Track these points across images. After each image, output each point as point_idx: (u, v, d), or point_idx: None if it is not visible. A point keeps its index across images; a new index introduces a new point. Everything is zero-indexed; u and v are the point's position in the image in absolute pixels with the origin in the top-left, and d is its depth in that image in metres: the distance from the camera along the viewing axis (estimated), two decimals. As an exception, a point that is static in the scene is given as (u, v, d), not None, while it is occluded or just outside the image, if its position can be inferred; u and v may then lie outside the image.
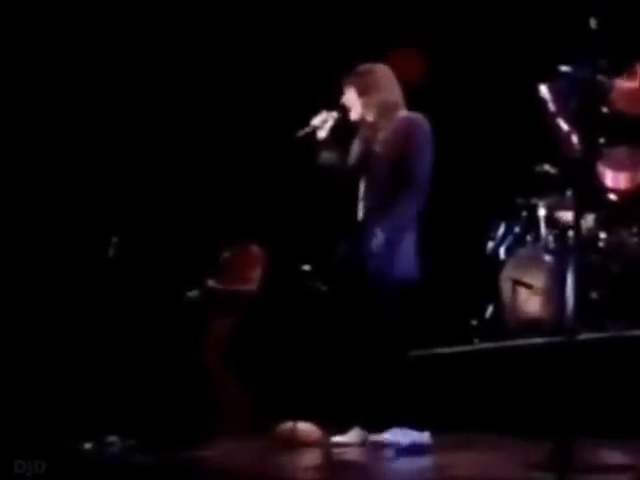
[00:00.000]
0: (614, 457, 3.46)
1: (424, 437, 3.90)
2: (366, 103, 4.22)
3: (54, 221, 6.51)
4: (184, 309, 5.99)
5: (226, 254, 6.07)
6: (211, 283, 5.98)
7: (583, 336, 4.12)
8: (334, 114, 4.28)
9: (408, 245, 4.05)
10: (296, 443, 4.35)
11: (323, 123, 4.26)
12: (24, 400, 5.75)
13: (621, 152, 5.15)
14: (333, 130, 4.27)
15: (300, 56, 6.63)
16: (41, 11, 6.52)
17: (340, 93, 4.33)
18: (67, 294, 6.34)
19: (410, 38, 6.10)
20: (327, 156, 4.28)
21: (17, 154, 6.53)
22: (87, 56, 6.67)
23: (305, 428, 4.47)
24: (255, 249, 6.01)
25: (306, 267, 5.43)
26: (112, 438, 4.67)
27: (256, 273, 5.96)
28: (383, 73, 4.29)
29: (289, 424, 4.46)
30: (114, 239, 5.45)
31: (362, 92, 4.22)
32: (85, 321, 5.84)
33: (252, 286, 5.94)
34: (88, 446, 4.53)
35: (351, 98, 4.26)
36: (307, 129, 4.27)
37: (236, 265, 5.99)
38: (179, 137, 6.81)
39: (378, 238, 3.97)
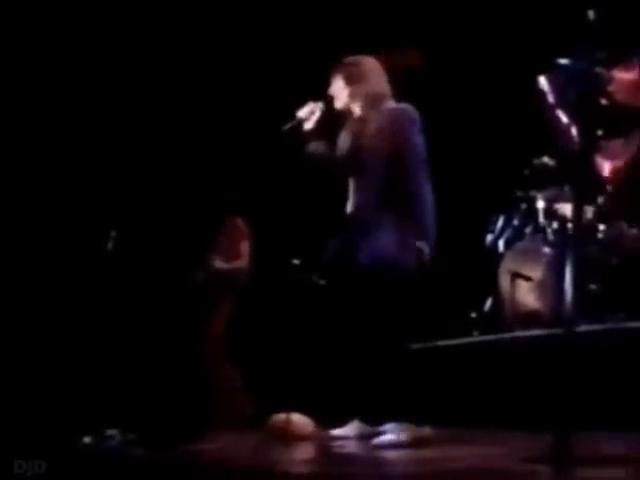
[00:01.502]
0: (613, 449, 3.46)
1: (423, 431, 3.90)
2: (352, 93, 4.20)
3: (53, 215, 6.51)
4: (185, 297, 5.98)
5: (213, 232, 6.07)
6: (218, 264, 5.94)
7: (582, 328, 4.12)
8: (320, 105, 4.26)
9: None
10: (289, 436, 4.36)
11: (309, 115, 4.25)
12: (24, 398, 5.75)
13: (619, 144, 5.14)
14: (320, 121, 4.25)
15: (289, 49, 6.63)
16: (41, 11, 6.51)
17: (327, 84, 4.31)
18: (66, 289, 6.33)
19: (407, 31, 6.10)
20: (315, 148, 4.27)
21: (17, 149, 6.52)
22: (85, 53, 6.66)
23: (298, 420, 4.48)
24: (240, 222, 6.00)
25: (296, 261, 5.43)
26: (111, 432, 4.68)
27: (244, 246, 5.94)
28: (370, 65, 4.26)
29: (282, 416, 4.47)
30: (113, 233, 5.45)
31: (348, 82, 4.20)
32: (84, 315, 5.84)
33: (243, 262, 5.91)
34: (87, 440, 4.54)
35: (337, 88, 4.24)
36: (293, 121, 4.25)
37: (224, 240, 5.98)
38: (172, 132, 6.81)
39: (421, 247, 3.96)
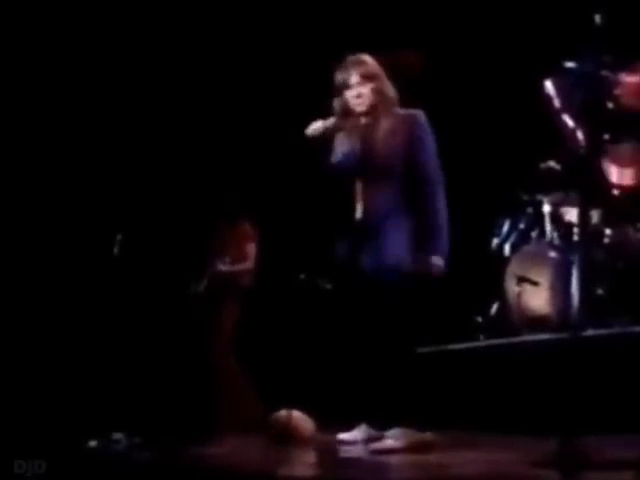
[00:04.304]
0: (619, 453, 3.45)
1: (426, 436, 3.89)
2: (381, 96, 4.10)
3: (59, 220, 6.52)
4: (189, 303, 5.99)
5: (219, 234, 6.07)
6: (221, 267, 5.95)
7: (588, 332, 4.11)
8: (331, 122, 4.14)
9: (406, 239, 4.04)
10: (290, 436, 4.37)
11: (322, 134, 4.14)
12: (26, 399, 5.76)
13: (627, 148, 5.13)
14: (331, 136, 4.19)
15: (295, 55, 6.63)
16: (41, 11, 6.51)
17: (331, 87, 4.23)
18: (72, 292, 6.34)
19: (411, 34, 6.10)
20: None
21: (23, 153, 6.54)
22: (91, 57, 6.67)
23: (299, 420, 4.49)
24: (246, 225, 6.02)
25: (302, 276, 5.43)
26: (117, 435, 4.68)
27: (251, 249, 5.96)
28: (376, 64, 4.19)
29: (284, 414, 4.48)
30: (118, 236, 5.46)
31: (368, 79, 4.08)
32: (90, 318, 5.85)
33: (248, 264, 5.93)
34: (93, 443, 4.54)
35: (367, 92, 4.09)
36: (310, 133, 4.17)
37: (230, 243, 5.98)
38: (179, 135, 6.82)
39: (437, 262, 3.96)
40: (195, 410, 5.54)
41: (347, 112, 4.14)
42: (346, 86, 4.12)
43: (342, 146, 4.18)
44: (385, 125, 4.07)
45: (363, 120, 4.14)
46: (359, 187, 4.09)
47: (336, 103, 4.16)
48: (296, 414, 4.51)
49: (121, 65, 6.73)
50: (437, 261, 3.97)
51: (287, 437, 4.40)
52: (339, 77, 4.15)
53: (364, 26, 6.31)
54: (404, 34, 6.06)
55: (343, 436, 4.21)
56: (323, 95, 4.29)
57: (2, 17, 6.40)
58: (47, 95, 6.60)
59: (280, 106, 6.40)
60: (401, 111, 4.13)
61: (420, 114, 4.10)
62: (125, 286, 5.54)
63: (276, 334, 6.25)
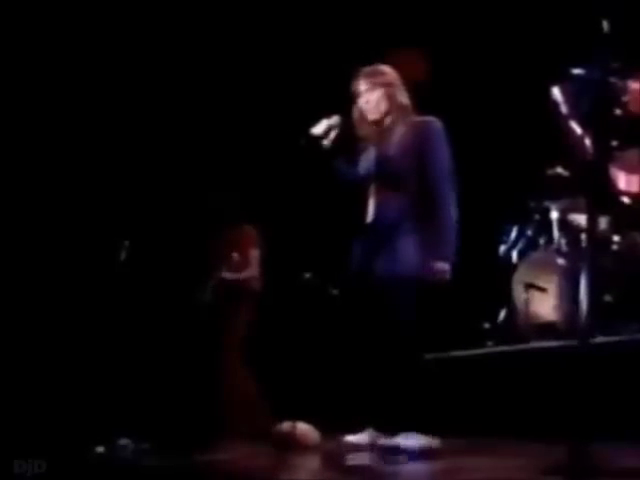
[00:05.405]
0: (629, 461, 3.44)
1: (434, 442, 3.89)
2: (391, 103, 4.15)
3: (66, 227, 6.53)
4: (196, 309, 5.98)
5: (221, 238, 6.06)
6: (227, 275, 5.94)
7: (596, 339, 4.10)
8: (337, 119, 4.21)
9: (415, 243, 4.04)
10: (294, 445, 4.37)
11: (327, 132, 4.20)
12: (29, 401, 5.77)
13: (634, 154, 5.13)
14: (339, 137, 4.21)
15: (299, 59, 6.65)
16: (41, 11, 6.52)
17: (349, 94, 4.26)
18: (79, 297, 6.35)
19: (419, 41, 6.11)
20: (338, 165, 4.25)
21: (29, 160, 6.55)
22: (98, 69, 6.68)
23: (304, 430, 4.49)
24: (250, 230, 6.01)
25: (307, 275, 5.43)
26: (125, 441, 4.68)
27: (254, 254, 5.96)
28: (394, 74, 4.26)
29: (288, 424, 4.48)
30: (125, 242, 5.46)
31: (386, 91, 4.15)
32: (97, 324, 5.86)
33: (253, 270, 5.91)
34: (100, 449, 4.54)
35: (374, 98, 4.16)
36: (310, 138, 4.18)
37: (233, 248, 5.97)
38: (187, 141, 6.84)
39: (443, 268, 3.95)
40: (203, 416, 5.53)
41: (364, 120, 4.21)
42: (358, 94, 4.20)
43: (367, 154, 4.22)
44: (398, 132, 4.13)
45: (378, 127, 4.18)
46: (372, 192, 4.14)
47: (354, 111, 4.23)
48: (300, 425, 4.51)
49: (127, 76, 6.74)
50: (442, 267, 3.97)
51: (292, 447, 4.39)
52: (352, 87, 4.24)
53: (367, 30, 6.33)
54: (411, 40, 6.05)
55: (350, 438, 4.19)
56: (328, 96, 4.31)
57: (2, 17, 6.40)
58: (54, 102, 6.62)
59: (285, 108, 6.40)
60: (416, 118, 4.16)
61: (433, 121, 4.13)
62: (132, 291, 5.54)
63: (281, 339, 6.24)
